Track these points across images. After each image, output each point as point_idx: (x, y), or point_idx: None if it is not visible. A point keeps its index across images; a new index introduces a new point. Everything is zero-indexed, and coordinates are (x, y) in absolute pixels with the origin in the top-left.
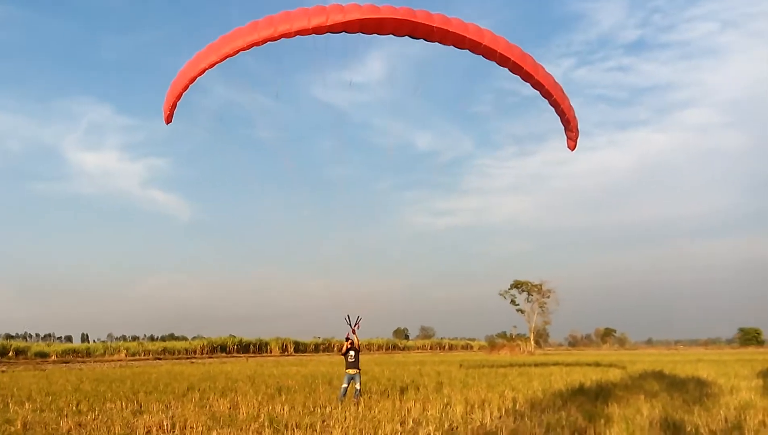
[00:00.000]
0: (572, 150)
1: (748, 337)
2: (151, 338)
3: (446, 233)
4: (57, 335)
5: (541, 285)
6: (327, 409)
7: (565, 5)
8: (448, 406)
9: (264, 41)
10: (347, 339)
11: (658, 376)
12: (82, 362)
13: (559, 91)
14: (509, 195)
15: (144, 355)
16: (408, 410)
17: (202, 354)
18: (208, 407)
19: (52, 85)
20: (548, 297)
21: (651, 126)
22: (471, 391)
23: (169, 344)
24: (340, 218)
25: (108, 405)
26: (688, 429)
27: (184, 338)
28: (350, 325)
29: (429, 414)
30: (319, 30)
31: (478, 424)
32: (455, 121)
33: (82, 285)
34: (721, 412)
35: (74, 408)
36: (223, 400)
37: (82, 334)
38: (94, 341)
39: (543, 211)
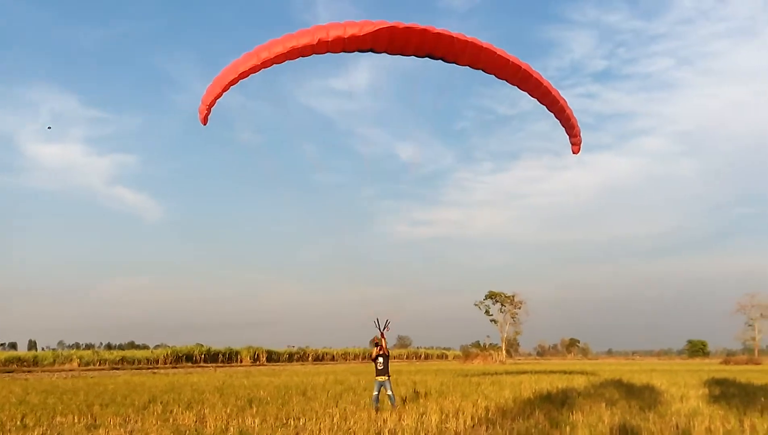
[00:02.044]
0: (576, 153)
1: (696, 349)
2: (108, 346)
3: (425, 244)
4: (0, 342)
5: (513, 296)
6: (301, 421)
7: (542, 32)
8: (424, 416)
9: (303, 48)
10: (376, 344)
11: (618, 384)
12: (28, 372)
13: (563, 100)
14: (485, 209)
15: (99, 364)
16: (384, 420)
17: (165, 364)
18: (171, 421)
19: (9, 69)
20: (519, 308)
21: (614, 150)
22: (446, 400)
23: (128, 353)
24: (320, 224)
25: (58, 419)
26: None
27: (146, 347)
28: (379, 328)
29: (405, 424)
30: (352, 40)
31: (453, 433)
32: (437, 135)
33: (31, 287)
34: (673, 419)
35: (19, 422)
36: (189, 413)
37: (29, 341)
38: (42, 349)
39: (516, 226)
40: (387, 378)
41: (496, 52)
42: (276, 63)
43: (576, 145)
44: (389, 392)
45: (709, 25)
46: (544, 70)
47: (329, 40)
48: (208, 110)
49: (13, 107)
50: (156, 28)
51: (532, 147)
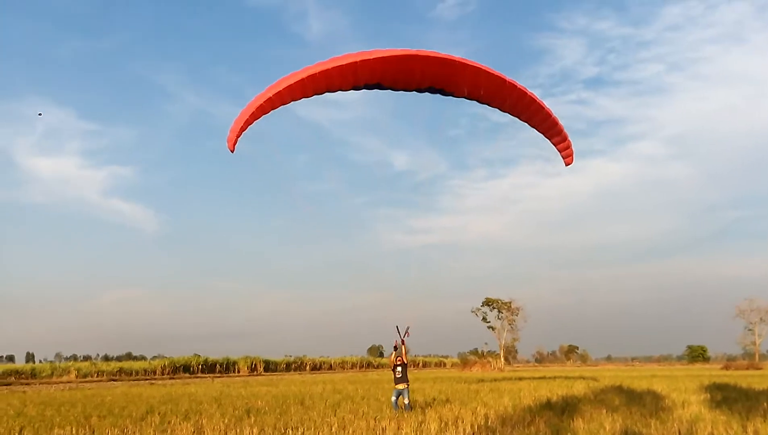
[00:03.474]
0: (570, 164)
1: (695, 354)
2: (106, 358)
3: (420, 251)
4: None
5: (510, 302)
6: (299, 430)
7: (533, 39)
8: (423, 424)
9: (317, 75)
10: (395, 348)
11: (618, 390)
12: (26, 384)
13: (555, 115)
14: (480, 215)
15: (97, 376)
16: (383, 429)
17: (162, 375)
18: (169, 431)
19: (4, 83)
20: (517, 314)
21: (607, 156)
22: (444, 408)
23: (125, 364)
24: (315, 234)
25: (56, 431)
26: None
27: (143, 358)
28: (399, 334)
29: (404, 433)
30: (390, 61)
31: None
32: (430, 143)
33: (27, 300)
34: (675, 425)
35: (17, 434)
36: (186, 424)
37: (27, 354)
38: (40, 361)
39: (511, 232)
40: (406, 386)
41: (504, 79)
42: (294, 96)
43: (569, 156)
44: (406, 400)
45: (697, 31)
46: (535, 78)
47: (344, 64)
48: (236, 139)
49: (8, 121)
50: (144, 39)
51: (525, 154)
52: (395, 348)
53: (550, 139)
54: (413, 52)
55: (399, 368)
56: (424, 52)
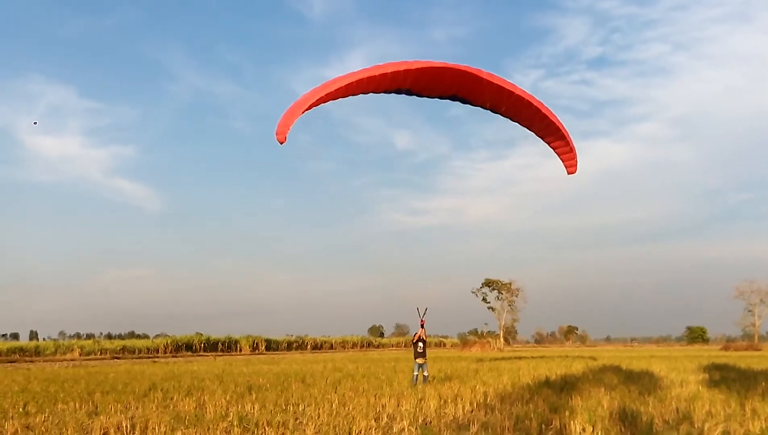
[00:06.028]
0: (575, 173)
1: (695, 336)
2: (109, 336)
3: (421, 232)
4: (2, 332)
5: (510, 283)
6: (300, 406)
7: (536, 19)
8: (422, 401)
9: (369, 79)
10: (422, 326)
11: (617, 370)
12: (30, 362)
13: (564, 128)
14: (482, 196)
15: (100, 354)
16: (383, 406)
17: (165, 353)
18: (171, 407)
19: (7, 60)
20: (517, 295)
21: (610, 137)
22: (444, 386)
23: (128, 343)
24: (317, 213)
25: (60, 406)
26: (644, 419)
27: (146, 336)
28: (419, 315)
29: (403, 409)
30: (429, 71)
31: (451, 417)
32: (432, 123)
33: (31, 279)
34: (673, 403)
35: (21, 409)
36: (189, 400)
37: (31, 332)
38: (44, 339)
39: (512, 213)
40: (425, 360)
41: (523, 98)
42: (338, 95)
43: (573, 166)
44: (425, 373)
45: (703, 10)
46: (538, 57)
47: (401, 70)
48: (288, 130)
49: (11, 99)
50: (144, 17)
51: (526, 134)
52: (422, 326)
53: (556, 149)
54: (451, 66)
55: (420, 344)
56: (459, 66)
